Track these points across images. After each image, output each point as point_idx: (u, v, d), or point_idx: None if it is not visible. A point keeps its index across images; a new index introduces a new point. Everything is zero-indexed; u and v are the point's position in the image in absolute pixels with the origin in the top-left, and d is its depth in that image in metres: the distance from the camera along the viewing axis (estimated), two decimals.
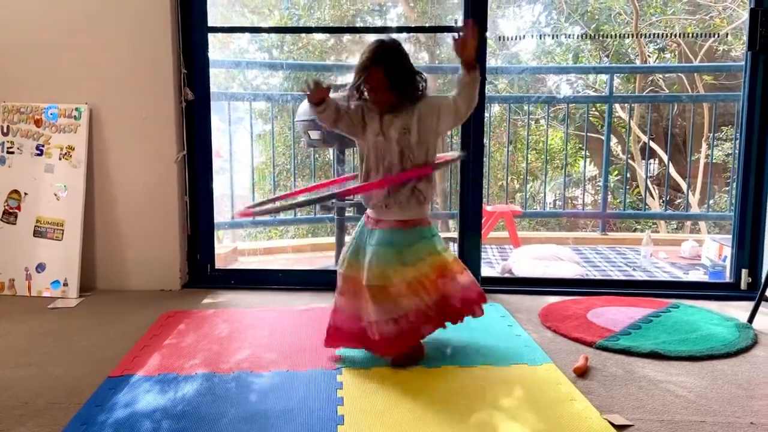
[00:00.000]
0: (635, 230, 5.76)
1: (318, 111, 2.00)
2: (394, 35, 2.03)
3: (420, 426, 1.62)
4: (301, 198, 2.33)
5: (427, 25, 6.55)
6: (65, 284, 2.77)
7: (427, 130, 1.99)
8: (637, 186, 6.30)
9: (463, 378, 1.92)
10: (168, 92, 2.80)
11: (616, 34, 6.27)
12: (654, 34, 6.35)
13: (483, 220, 3.01)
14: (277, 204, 2.34)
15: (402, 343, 1.97)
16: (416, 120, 1.97)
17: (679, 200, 6.18)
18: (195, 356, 2.08)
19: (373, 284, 1.94)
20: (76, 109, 2.80)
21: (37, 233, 2.81)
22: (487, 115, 3.52)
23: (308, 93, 1.97)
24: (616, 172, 6.06)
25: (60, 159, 2.81)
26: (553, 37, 6.53)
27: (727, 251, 3.10)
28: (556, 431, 1.59)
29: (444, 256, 2.04)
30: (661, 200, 5.76)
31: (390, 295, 1.94)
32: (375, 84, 1.96)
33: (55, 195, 2.80)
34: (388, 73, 1.94)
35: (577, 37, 6.50)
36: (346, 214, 3.38)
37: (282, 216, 4.74)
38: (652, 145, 5.86)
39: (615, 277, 3.49)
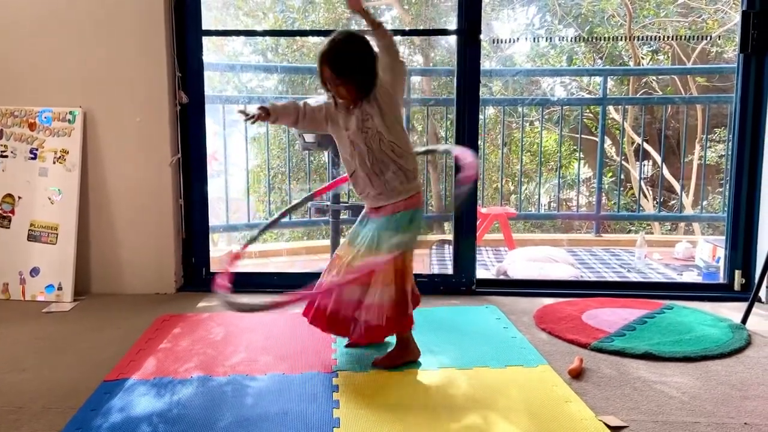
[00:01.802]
0: (629, 232, 5.78)
1: (271, 122, 2.05)
2: None
3: (416, 428, 1.62)
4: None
5: (421, 27, 6.56)
6: (60, 288, 2.76)
7: (388, 107, 1.94)
8: (631, 187, 6.32)
9: (459, 380, 1.92)
10: (162, 95, 2.80)
11: (609, 37, 6.29)
12: (647, 36, 6.37)
13: (478, 222, 3.02)
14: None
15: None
16: (376, 104, 1.93)
17: (672, 201, 6.21)
18: (190, 360, 2.08)
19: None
20: (71, 112, 2.80)
21: (31, 237, 2.80)
22: (481, 117, 3.53)
23: (248, 118, 1.99)
24: (610, 174, 6.08)
25: (54, 163, 2.80)
26: (547, 40, 6.55)
27: (721, 252, 3.11)
28: None
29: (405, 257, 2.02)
30: (655, 201, 5.79)
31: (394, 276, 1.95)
32: (328, 82, 1.94)
33: (49, 199, 2.80)
34: (337, 70, 1.90)
35: (571, 40, 6.52)
36: (342, 217, 3.38)
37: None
38: (646, 146, 5.89)
39: (609, 279, 3.50)
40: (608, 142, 6.44)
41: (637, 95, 6.25)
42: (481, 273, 3.20)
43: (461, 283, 2.90)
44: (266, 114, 1.99)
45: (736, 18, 3.31)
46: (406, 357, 2.04)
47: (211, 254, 3.04)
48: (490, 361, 2.06)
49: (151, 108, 2.80)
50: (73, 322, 2.50)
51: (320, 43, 2.02)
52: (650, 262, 3.85)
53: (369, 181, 1.99)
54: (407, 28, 6.82)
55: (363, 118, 1.94)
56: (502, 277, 3.45)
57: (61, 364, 2.07)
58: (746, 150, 2.83)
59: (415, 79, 6.45)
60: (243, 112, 2.00)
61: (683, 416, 1.70)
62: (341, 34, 1.94)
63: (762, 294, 2.73)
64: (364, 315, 1.96)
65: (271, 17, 6.56)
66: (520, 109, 5.16)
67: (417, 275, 2.92)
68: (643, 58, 6.58)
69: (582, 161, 6.16)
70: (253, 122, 2.02)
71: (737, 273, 2.88)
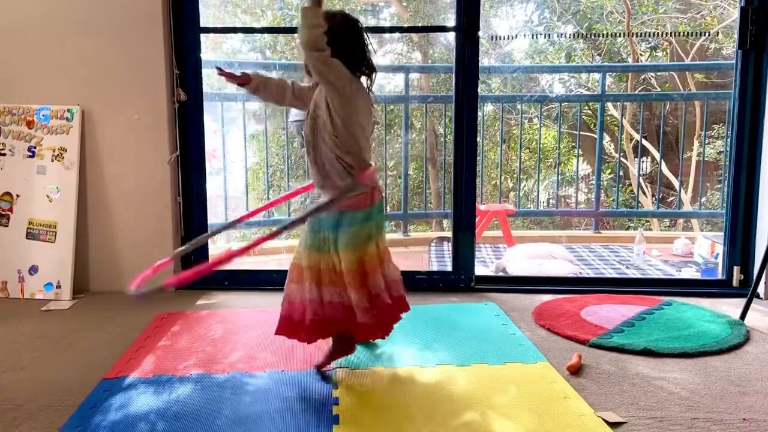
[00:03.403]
0: (628, 228, 5.79)
1: (251, 90, 1.91)
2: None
3: (414, 424, 1.63)
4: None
5: (419, 24, 6.55)
6: (58, 286, 2.76)
7: (336, 102, 1.79)
8: (630, 184, 6.32)
9: (458, 376, 1.92)
10: (160, 93, 2.79)
11: (608, 33, 6.29)
12: (646, 32, 6.37)
13: (477, 219, 3.02)
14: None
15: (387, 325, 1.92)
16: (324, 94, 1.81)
17: (671, 198, 6.21)
18: (189, 357, 2.08)
19: (348, 269, 1.85)
20: (69, 110, 2.79)
21: (30, 235, 2.80)
22: (480, 114, 3.53)
23: (224, 74, 1.89)
24: (608, 171, 6.09)
25: (52, 160, 2.80)
26: (545, 36, 6.55)
27: (719, 248, 3.11)
28: (550, 429, 1.60)
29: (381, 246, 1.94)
30: (654, 198, 5.78)
31: (364, 277, 1.86)
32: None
33: (48, 197, 2.79)
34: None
35: (570, 36, 6.52)
36: None
37: (276, 216, 4.73)
38: (645, 143, 5.89)
39: (608, 275, 3.50)
40: (607, 138, 6.44)
41: (636, 92, 6.25)
42: (480, 270, 3.20)
43: (460, 280, 2.90)
44: (246, 80, 1.88)
45: (735, 14, 3.31)
46: (341, 353, 1.98)
47: (210, 252, 3.04)
48: (489, 357, 2.06)
49: (149, 106, 2.80)
50: (72, 320, 2.50)
51: None
52: (649, 258, 3.85)
53: (314, 172, 1.89)
54: (405, 25, 6.81)
55: (316, 103, 1.85)
56: (501, 274, 3.44)
57: (60, 362, 2.07)
58: (745, 146, 2.83)
59: (414, 76, 6.44)
60: (220, 68, 1.89)
61: (682, 412, 1.70)
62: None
63: (760, 290, 2.74)
64: (359, 315, 1.86)
65: (270, 14, 6.55)
66: (518, 106, 5.16)
67: (416, 272, 2.95)
68: (641, 55, 6.58)
69: (581, 158, 6.16)
70: (228, 80, 1.89)
71: (736, 269, 2.88)
